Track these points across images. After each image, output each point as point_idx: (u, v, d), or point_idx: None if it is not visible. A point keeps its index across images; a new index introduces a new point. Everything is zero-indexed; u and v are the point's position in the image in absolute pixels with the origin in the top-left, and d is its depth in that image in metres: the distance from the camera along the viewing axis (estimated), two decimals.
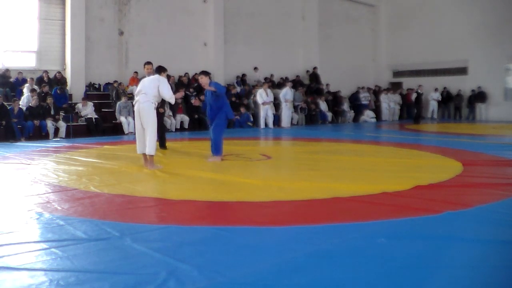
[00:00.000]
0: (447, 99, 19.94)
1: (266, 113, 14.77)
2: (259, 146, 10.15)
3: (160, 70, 6.69)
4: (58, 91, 12.09)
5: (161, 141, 8.52)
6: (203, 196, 4.68)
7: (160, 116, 8.46)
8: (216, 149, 7.04)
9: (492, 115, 18.82)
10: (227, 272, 2.61)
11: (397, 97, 19.73)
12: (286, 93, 15.33)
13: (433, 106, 19.84)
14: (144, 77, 7.88)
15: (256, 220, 3.77)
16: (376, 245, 3.09)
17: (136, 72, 13.47)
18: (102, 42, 13.86)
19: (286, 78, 17.75)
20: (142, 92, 6.34)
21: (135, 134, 8.24)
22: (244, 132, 12.84)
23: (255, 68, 17.22)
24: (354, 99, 18.87)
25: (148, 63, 8.35)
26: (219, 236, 3.33)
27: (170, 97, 6.49)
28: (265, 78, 16.94)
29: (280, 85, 16.80)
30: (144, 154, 6.41)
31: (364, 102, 18.50)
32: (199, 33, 16.08)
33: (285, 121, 15.26)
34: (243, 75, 16.82)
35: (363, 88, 19.30)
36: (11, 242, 3.17)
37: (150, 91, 6.32)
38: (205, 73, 7.24)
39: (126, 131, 12.17)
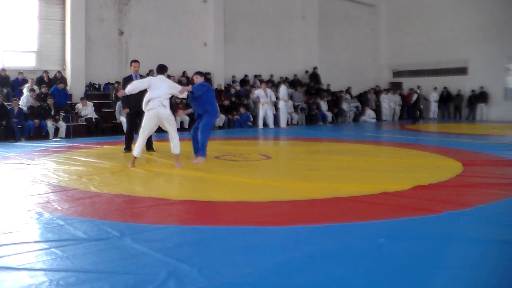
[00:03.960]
0: (447, 99, 19.94)
1: (265, 113, 14.74)
2: (258, 146, 10.15)
3: (163, 70, 6.76)
4: (58, 86, 12.06)
5: (148, 143, 8.23)
6: (203, 196, 4.68)
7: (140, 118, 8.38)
8: (202, 150, 6.98)
9: (492, 115, 18.82)
10: (227, 272, 2.61)
11: (397, 98, 19.74)
12: (282, 92, 15.33)
13: (433, 106, 19.87)
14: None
15: (256, 220, 3.77)
16: (376, 245, 3.09)
17: None
18: (102, 42, 13.86)
19: (286, 78, 17.75)
20: (158, 97, 6.37)
21: (133, 134, 8.27)
22: (243, 132, 12.84)
23: (255, 85, 17.15)
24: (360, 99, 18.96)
25: (136, 61, 8.35)
26: (219, 236, 3.32)
27: (181, 94, 6.75)
28: (267, 81, 16.90)
29: (279, 85, 16.80)
30: (134, 155, 6.50)
31: (352, 110, 18.47)
32: (199, 33, 16.08)
33: (282, 121, 15.25)
34: (246, 76, 16.85)
35: (353, 96, 19.19)
36: (11, 242, 3.17)
37: (165, 95, 6.41)
38: (200, 73, 7.30)
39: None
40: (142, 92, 8.24)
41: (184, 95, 6.94)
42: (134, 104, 8.20)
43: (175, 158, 6.60)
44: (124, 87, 8.34)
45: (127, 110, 8.33)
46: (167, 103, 6.43)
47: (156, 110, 6.35)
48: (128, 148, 8.27)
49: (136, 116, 8.34)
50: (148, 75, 13.15)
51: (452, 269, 2.70)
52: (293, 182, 5.45)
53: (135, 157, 6.46)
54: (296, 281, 2.49)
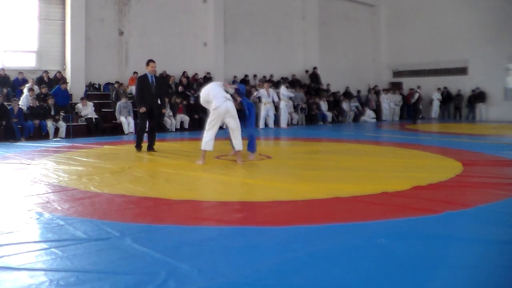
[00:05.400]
0: (447, 99, 19.94)
1: (267, 113, 14.75)
2: (259, 146, 10.12)
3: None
4: (61, 87, 12.05)
5: (150, 143, 8.24)
6: (203, 196, 4.68)
7: (152, 117, 8.37)
8: (254, 146, 7.45)
9: (492, 115, 18.82)
10: (227, 272, 2.61)
11: (397, 98, 19.73)
12: (283, 93, 15.32)
13: (435, 106, 19.87)
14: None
15: (256, 220, 3.77)
16: (376, 245, 3.09)
17: (136, 72, 13.45)
18: (102, 42, 13.86)
19: (286, 78, 17.74)
20: (220, 93, 6.56)
21: (144, 133, 8.28)
22: (244, 132, 12.80)
23: (257, 85, 17.14)
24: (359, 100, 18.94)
25: (153, 61, 8.32)
26: (219, 236, 3.32)
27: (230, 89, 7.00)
28: (267, 80, 16.90)
29: (278, 84, 16.79)
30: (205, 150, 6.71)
31: (352, 110, 18.43)
32: (199, 33, 16.08)
33: (283, 121, 15.25)
34: (246, 75, 16.85)
35: (352, 96, 19.18)
36: (11, 242, 3.17)
37: (226, 94, 6.63)
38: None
39: (126, 131, 12.17)
40: (157, 92, 8.23)
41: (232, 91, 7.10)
42: (149, 103, 8.13)
43: (237, 154, 6.90)
44: (138, 86, 8.29)
45: (143, 109, 8.18)
46: (229, 96, 6.61)
47: (225, 106, 6.53)
48: (139, 147, 8.23)
49: (150, 115, 8.25)
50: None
51: (452, 269, 2.70)
52: (293, 182, 5.45)
53: (205, 151, 6.70)
54: (296, 281, 2.49)
